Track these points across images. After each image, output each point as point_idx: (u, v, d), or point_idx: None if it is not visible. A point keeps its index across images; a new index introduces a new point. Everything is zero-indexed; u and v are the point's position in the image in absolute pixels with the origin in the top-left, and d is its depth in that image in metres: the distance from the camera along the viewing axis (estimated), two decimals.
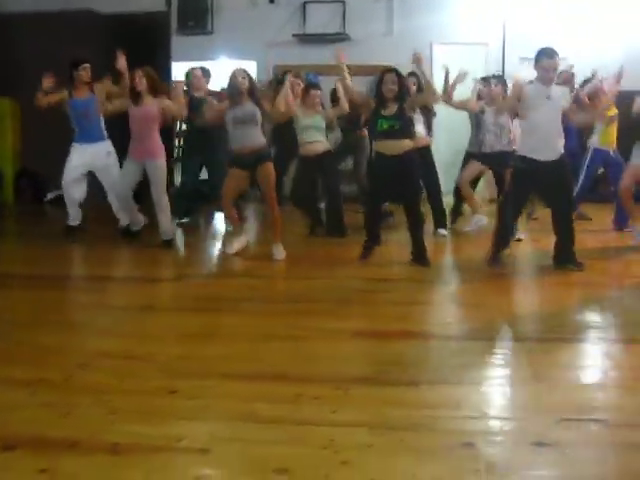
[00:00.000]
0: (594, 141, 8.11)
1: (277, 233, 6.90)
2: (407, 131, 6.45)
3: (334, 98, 8.17)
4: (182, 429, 3.17)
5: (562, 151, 6.17)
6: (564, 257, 6.27)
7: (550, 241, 6.48)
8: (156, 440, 3.08)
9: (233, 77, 6.67)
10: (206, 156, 8.17)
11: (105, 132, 7.64)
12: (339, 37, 10.83)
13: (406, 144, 6.43)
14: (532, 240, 7.68)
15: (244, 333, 4.61)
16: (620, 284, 6.07)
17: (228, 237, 7.56)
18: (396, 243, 7.44)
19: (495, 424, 3.28)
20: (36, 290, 5.83)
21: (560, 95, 6.11)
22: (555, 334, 4.58)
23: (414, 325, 4.89)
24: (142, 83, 7.03)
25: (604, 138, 7.94)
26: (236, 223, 7.16)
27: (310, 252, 7.23)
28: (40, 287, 5.92)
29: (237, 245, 7.05)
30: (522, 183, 6.20)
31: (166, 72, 10.37)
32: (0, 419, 3.31)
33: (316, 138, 7.78)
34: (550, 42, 9.96)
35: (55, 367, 3.97)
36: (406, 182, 6.47)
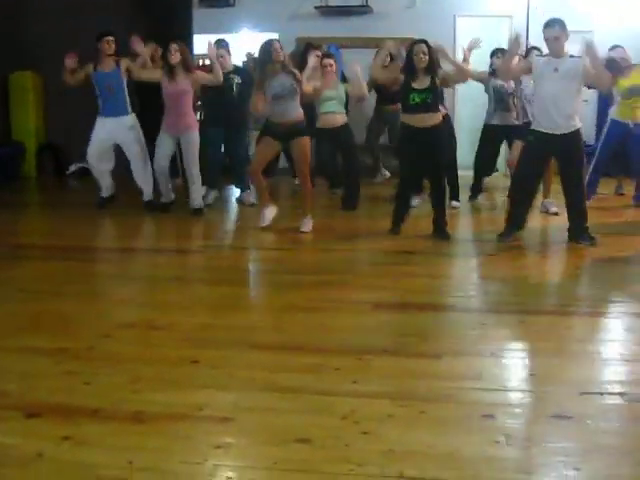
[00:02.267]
0: (612, 112, 7.92)
1: (308, 206, 6.87)
2: (437, 105, 6.43)
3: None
4: (204, 398, 3.20)
5: (576, 125, 6.03)
6: (577, 232, 6.22)
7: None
8: (178, 408, 3.11)
9: (268, 47, 6.47)
10: (228, 130, 8.12)
11: (129, 106, 7.65)
12: (361, 9, 10.72)
13: (437, 117, 6.41)
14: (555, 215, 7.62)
15: (267, 304, 4.65)
16: None
17: (256, 209, 7.53)
18: (419, 216, 7.42)
19: (515, 396, 3.28)
20: (59, 261, 5.86)
21: (572, 67, 5.92)
22: (576, 307, 4.57)
23: (436, 297, 4.89)
24: (177, 57, 7.05)
25: (623, 110, 7.73)
26: (265, 194, 7.04)
27: (334, 224, 7.19)
28: (63, 258, 5.95)
29: (269, 215, 6.95)
30: (531, 157, 6.16)
31: (188, 44, 10.33)
32: (25, 387, 3.36)
33: (334, 109, 7.71)
34: (574, 14, 9.95)
35: (79, 337, 4.02)
36: (434, 155, 6.45)
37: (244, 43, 10.11)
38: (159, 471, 2.62)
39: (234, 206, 8.45)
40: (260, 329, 4.17)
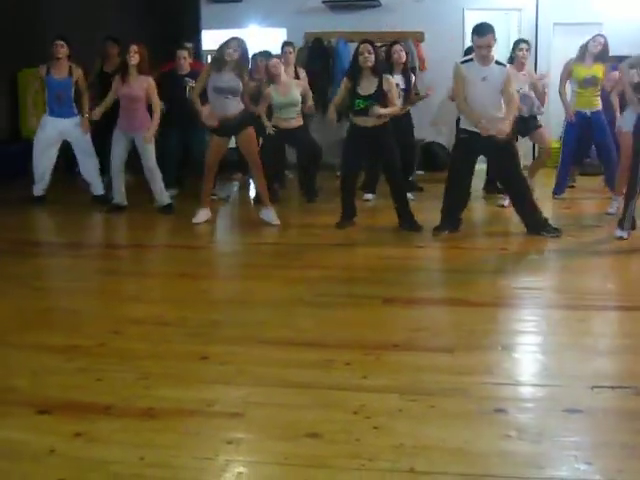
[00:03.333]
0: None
1: (265, 198, 6.94)
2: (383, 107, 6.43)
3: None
4: (215, 394, 3.21)
5: (508, 130, 6.03)
6: (536, 226, 6.25)
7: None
8: (189, 404, 3.12)
9: (224, 46, 6.57)
10: (185, 131, 8.08)
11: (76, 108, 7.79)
12: (370, 3, 10.67)
13: (381, 119, 6.44)
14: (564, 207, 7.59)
15: (276, 299, 4.64)
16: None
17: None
18: (426, 210, 7.43)
19: (527, 390, 3.28)
20: (66, 258, 5.90)
21: (498, 75, 5.96)
22: (584, 301, 4.54)
23: (446, 291, 4.88)
24: (135, 58, 7.04)
25: (580, 100, 7.63)
26: (207, 196, 7.09)
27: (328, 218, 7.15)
28: (70, 255, 5.98)
29: (202, 217, 6.99)
30: (463, 153, 6.25)
31: (196, 40, 10.33)
32: (37, 384, 3.38)
33: (290, 115, 7.73)
34: (584, 8, 9.90)
35: (89, 333, 4.03)
36: (381, 152, 6.57)
37: (252, 38, 10.13)
38: (171, 467, 2.62)
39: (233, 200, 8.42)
40: (269, 324, 4.17)
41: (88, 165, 7.92)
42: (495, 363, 3.55)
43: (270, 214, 6.85)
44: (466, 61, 6.22)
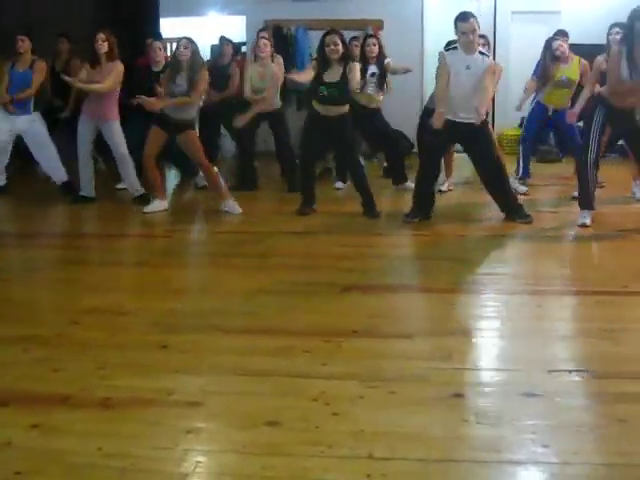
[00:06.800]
0: (539, 96, 7.87)
1: (220, 191, 6.96)
2: (345, 99, 6.50)
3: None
4: (174, 383, 3.19)
5: (483, 116, 6.11)
6: (509, 210, 6.35)
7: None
8: (147, 394, 3.10)
9: (176, 48, 6.68)
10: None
11: (32, 106, 7.60)
12: None
13: (342, 109, 6.51)
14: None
15: (235, 288, 4.62)
16: (601, 236, 6.02)
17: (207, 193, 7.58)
18: (390, 197, 7.48)
19: (485, 375, 3.31)
20: (26, 248, 5.82)
21: (481, 64, 6.04)
22: (542, 287, 4.60)
23: (405, 278, 4.90)
24: (103, 47, 6.95)
25: (549, 97, 7.70)
26: (158, 186, 7.08)
27: (290, 207, 7.10)
28: (29, 245, 5.91)
29: (157, 206, 6.98)
30: (438, 140, 6.32)
31: (154, 28, 10.23)
32: None
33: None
34: None
35: (46, 323, 3.99)
36: (339, 141, 6.67)
37: (211, 27, 10.07)
38: (129, 456, 2.60)
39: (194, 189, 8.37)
40: (229, 313, 4.15)
41: (46, 157, 7.71)
42: (454, 348, 3.57)
43: (231, 204, 6.84)
44: (450, 49, 6.30)
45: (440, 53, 6.32)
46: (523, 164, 7.88)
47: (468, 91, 6.03)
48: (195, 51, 6.67)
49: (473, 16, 6.02)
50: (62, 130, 7.90)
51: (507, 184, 6.45)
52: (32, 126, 7.53)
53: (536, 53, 7.74)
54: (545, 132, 8.33)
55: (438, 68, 6.30)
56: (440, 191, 7.39)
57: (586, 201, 6.10)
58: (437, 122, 6.10)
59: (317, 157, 7.07)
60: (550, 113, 7.58)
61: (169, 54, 8.33)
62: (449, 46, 6.86)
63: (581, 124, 6.88)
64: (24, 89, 7.39)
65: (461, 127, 6.14)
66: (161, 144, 6.90)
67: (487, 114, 6.37)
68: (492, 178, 6.42)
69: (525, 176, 7.83)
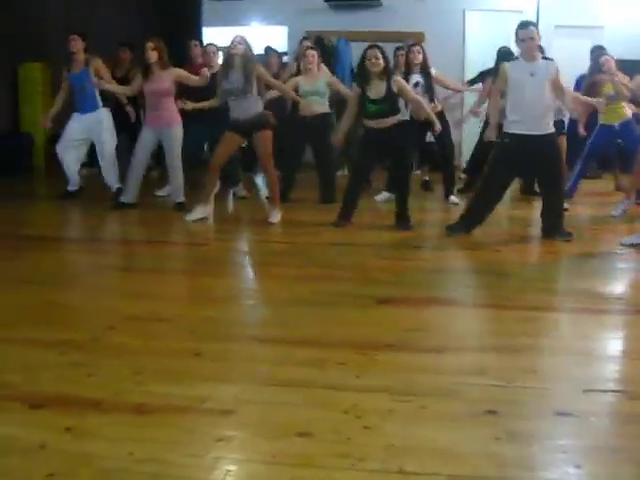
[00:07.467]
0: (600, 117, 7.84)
1: (274, 197, 7.02)
2: (395, 110, 6.48)
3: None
4: (206, 391, 3.21)
5: (552, 127, 6.07)
6: (552, 228, 6.25)
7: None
8: (181, 401, 3.11)
9: (230, 45, 6.68)
10: (211, 128, 8.06)
11: (99, 101, 7.75)
12: (371, 3, 10.70)
13: (395, 119, 6.50)
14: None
15: (270, 297, 4.65)
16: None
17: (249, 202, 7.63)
18: (425, 210, 7.46)
19: (518, 392, 3.27)
20: (64, 253, 5.91)
21: (545, 70, 5.98)
22: (581, 304, 4.55)
23: (440, 292, 4.89)
24: (153, 56, 7.01)
25: (609, 115, 7.65)
26: (209, 192, 7.08)
27: (328, 218, 7.07)
28: (68, 250, 5.99)
29: (198, 214, 6.99)
30: (505, 158, 6.17)
31: (197, 37, 10.33)
32: (29, 378, 3.37)
33: (316, 102, 7.81)
34: (585, 11, 9.91)
35: (83, 328, 4.03)
36: (394, 153, 6.62)
37: (254, 36, 10.14)
38: (160, 463, 2.62)
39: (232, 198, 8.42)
40: (264, 322, 4.18)
41: (107, 165, 7.86)
42: (487, 364, 3.54)
43: (276, 213, 6.91)
44: (511, 60, 6.32)
45: (501, 65, 6.28)
46: (574, 182, 7.78)
47: (534, 100, 5.94)
48: (249, 48, 6.67)
49: (534, 25, 6.00)
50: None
51: (562, 202, 6.36)
52: (99, 126, 7.66)
53: (578, 67, 7.69)
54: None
55: (496, 80, 6.29)
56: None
57: None
58: (490, 134, 6.08)
59: (368, 174, 7.06)
60: (617, 128, 7.52)
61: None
62: (501, 54, 6.91)
63: None
64: (85, 89, 7.53)
65: (529, 140, 6.01)
66: (234, 150, 6.97)
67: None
68: (550, 194, 6.29)
69: (570, 195, 7.76)
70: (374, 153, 6.66)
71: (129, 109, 8.52)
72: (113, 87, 7.53)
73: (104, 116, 7.75)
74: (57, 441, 2.77)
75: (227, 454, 2.72)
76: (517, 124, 6.03)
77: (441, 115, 7.74)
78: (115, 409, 3.04)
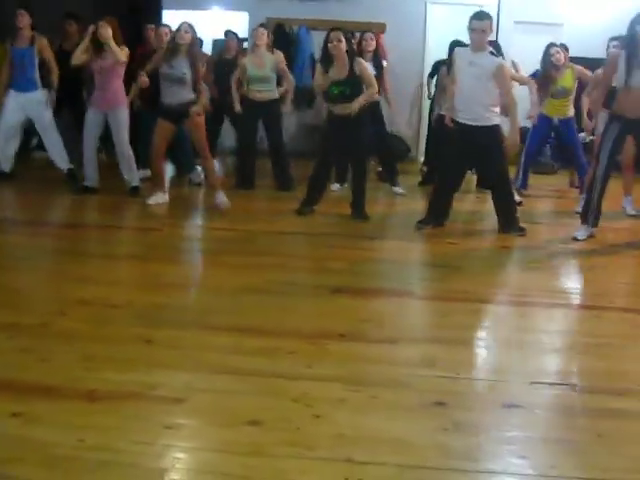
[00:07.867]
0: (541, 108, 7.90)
1: (214, 182, 7.05)
2: (357, 94, 6.42)
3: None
4: (157, 378, 3.20)
5: (492, 120, 6.08)
6: (507, 224, 6.28)
7: None
8: (131, 388, 3.10)
9: (176, 31, 6.66)
10: None
11: (39, 82, 7.58)
12: None
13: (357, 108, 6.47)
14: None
15: (223, 285, 4.63)
16: (593, 251, 6.04)
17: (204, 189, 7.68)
18: (382, 202, 7.49)
19: (467, 384, 3.32)
20: (17, 236, 5.83)
21: (486, 64, 5.96)
22: (531, 299, 4.61)
23: (394, 283, 4.92)
24: (107, 33, 6.91)
25: (549, 108, 7.71)
26: (161, 179, 7.11)
27: (285, 206, 7.05)
28: (22, 233, 5.91)
29: (159, 199, 7.02)
30: (455, 146, 6.25)
31: (157, 20, 10.21)
32: None
33: (264, 88, 7.79)
34: (545, 8, 9.99)
35: (33, 313, 3.98)
36: (354, 139, 6.57)
37: (214, 21, 10.08)
38: (109, 450, 2.61)
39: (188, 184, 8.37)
40: (216, 310, 4.16)
41: (52, 142, 7.70)
42: (438, 356, 3.58)
43: (221, 197, 6.88)
44: (461, 47, 6.38)
45: (455, 49, 6.37)
46: (522, 175, 7.88)
47: (471, 91, 5.98)
48: (195, 38, 6.68)
49: (489, 18, 5.99)
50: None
51: (512, 197, 6.42)
52: (39, 106, 7.51)
53: (537, 64, 7.76)
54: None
55: (449, 71, 6.40)
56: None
57: (587, 217, 6.06)
58: (446, 120, 6.23)
59: (334, 160, 7.05)
60: (556, 122, 7.59)
61: None
62: (453, 46, 6.94)
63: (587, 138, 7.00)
64: (25, 66, 7.37)
65: (470, 130, 6.06)
66: (169, 137, 6.92)
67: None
68: (497, 189, 6.35)
69: (522, 187, 7.84)
70: (337, 140, 6.62)
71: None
72: (55, 76, 7.41)
73: (44, 97, 7.57)
74: (5, 426, 2.75)
75: (177, 442, 2.72)
76: (460, 112, 6.13)
77: (376, 106, 7.75)
78: (65, 395, 3.02)
